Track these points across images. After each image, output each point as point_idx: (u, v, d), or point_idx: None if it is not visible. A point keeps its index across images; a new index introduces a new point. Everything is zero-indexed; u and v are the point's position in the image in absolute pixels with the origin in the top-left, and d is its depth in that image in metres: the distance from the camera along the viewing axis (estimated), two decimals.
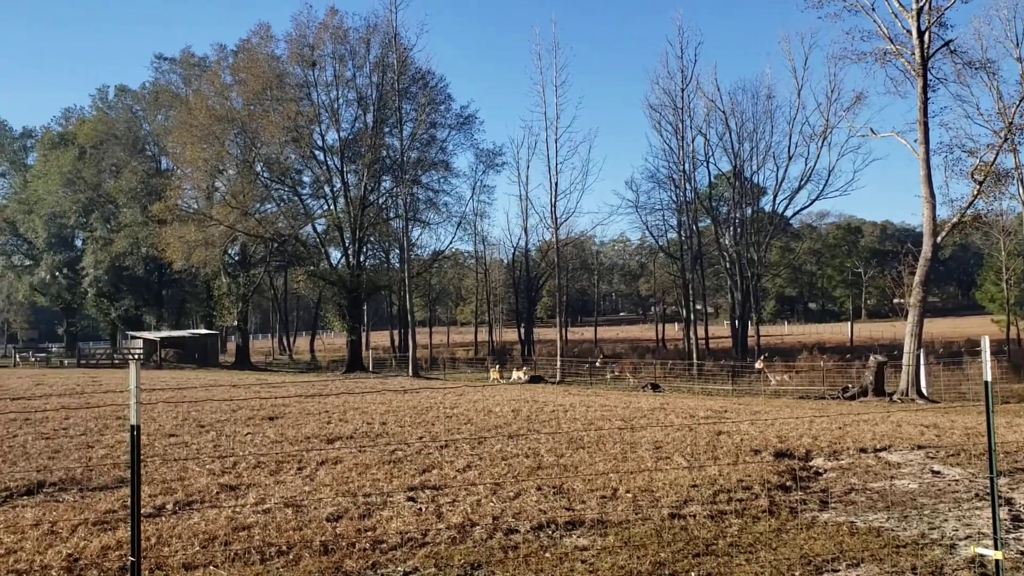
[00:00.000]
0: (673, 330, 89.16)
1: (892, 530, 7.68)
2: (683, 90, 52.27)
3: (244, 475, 10.62)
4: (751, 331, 56.63)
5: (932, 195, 28.49)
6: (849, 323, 78.32)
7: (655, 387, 33.09)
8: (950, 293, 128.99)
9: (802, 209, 63.43)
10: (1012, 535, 7.49)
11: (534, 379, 37.95)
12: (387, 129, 55.38)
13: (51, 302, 79.45)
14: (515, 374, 42.56)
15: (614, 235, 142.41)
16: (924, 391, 26.94)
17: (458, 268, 77.58)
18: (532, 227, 73.41)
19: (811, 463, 11.49)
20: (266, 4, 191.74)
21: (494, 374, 43.88)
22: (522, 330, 67.44)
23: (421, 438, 14.03)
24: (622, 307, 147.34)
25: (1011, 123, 29.76)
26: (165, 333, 61.05)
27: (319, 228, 59.75)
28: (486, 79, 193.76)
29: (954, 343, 52.34)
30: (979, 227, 45.95)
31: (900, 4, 28.92)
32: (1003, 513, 8.12)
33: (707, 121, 56.28)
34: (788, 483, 9.95)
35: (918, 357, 27.31)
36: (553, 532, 7.64)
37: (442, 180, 59.82)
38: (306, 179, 60.98)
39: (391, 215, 58.27)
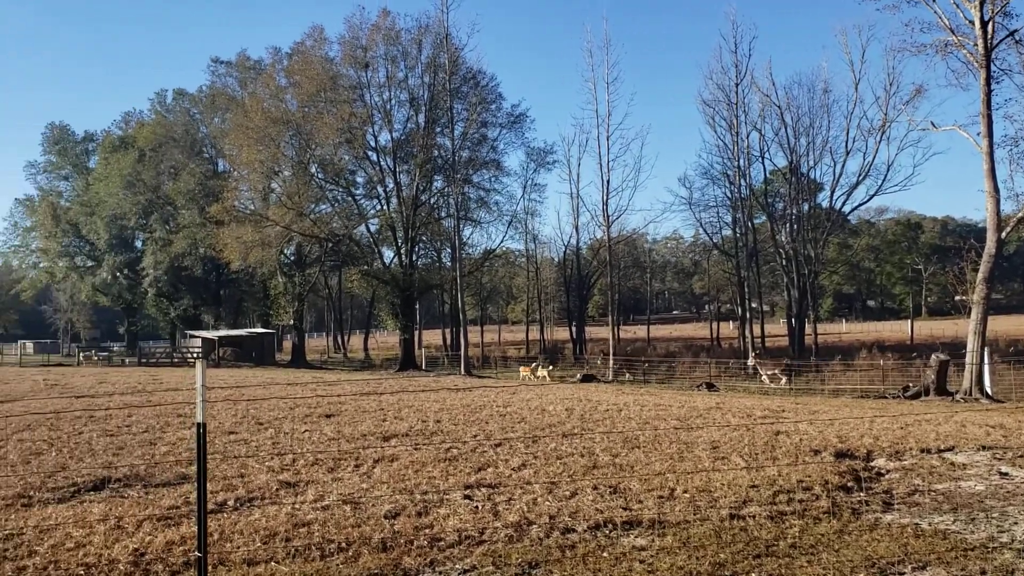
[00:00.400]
0: (728, 328, 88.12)
1: (959, 533, 7.49)
2: (737, 85, 51.62)
3: (303, 472, 10.76)
4: (808, 329, 55.71)
5: (996, 189, 27.66)
6: (909, 321, 76.60)
7: (710, 386, 32.72)
8: (1014, 290, 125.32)
9: (860, 205, 62.19)
10: None
11: (586, 378, 37.79)
12: (438, 129, 55.67)
13: (112, 302, 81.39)
14: (540, 371, 42.57)
15: (667, 232, 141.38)
16: (989, 390, 26.19)
17: (509, 267, 77.65)
18: (583, 225, 73.50)
19: (872, 464, 11.28)
20: (319, 7, 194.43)
21: (524, 371, 43.99)
22: (573, 329, 67.26)
23: (475, 436, 14.08)
24: (675, 305, 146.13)
25: None
26: (223, 332, 62.13)
27: (372, 228, 60.32)
28: (537, 77, 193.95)
29: (1019, 341, 50.87)
30: None
31: None
32: None
33: (762, 116, 55.53)
34: (849, 484, 9.78)
35: (982, 355, 26.55)
36: (610, 532, 7.60)
37: (493, 179, 59.96)
38: (359, 180, 61.61)
39: (443, 214, 58.58)
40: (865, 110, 57.10)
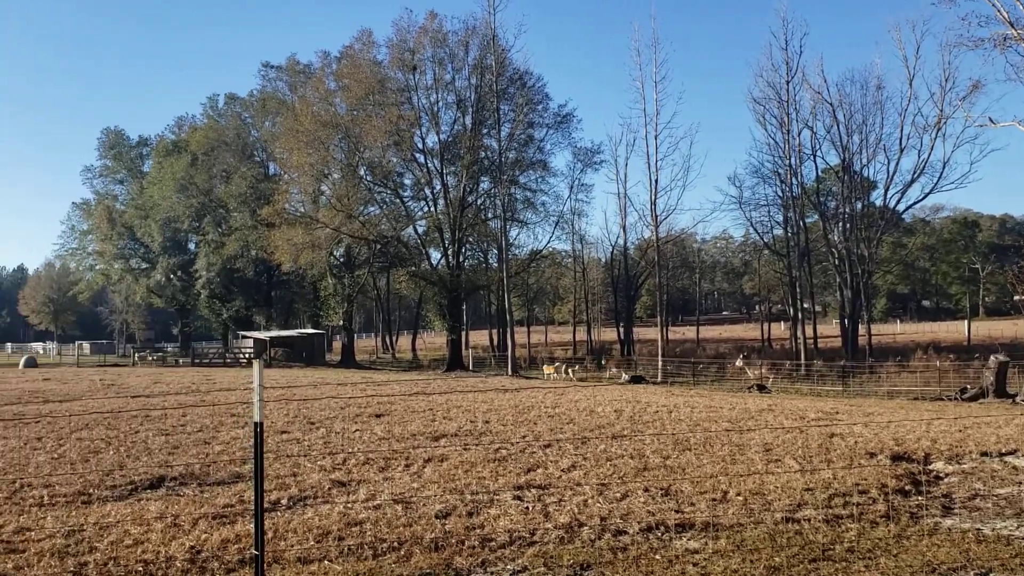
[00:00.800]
0: (779, 329, 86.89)
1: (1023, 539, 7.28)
2: (788, 83, 50.83)
3: (354, 471, 10.85)
4: (862, 330, 54.70)
5: None
6: (966, 321, 74.77)
7: (762, 388, 32.30)
8: None
9: (915, 203, 60.84)
10: None
11: (635, 379, 37.56)
12: (485, 130, 55.79)
13: (166, 303, 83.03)
14: (566, 370, 42.58)
15: (716, 232, 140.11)
16: None
17: (556, 267, 77.45)
18: (631, 225, 72.99)
19: (931, 467, 11.01)
20: (368, 11, 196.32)
21: (548, 370, 44.03)
22: (621, 329, 66.91)
23: (524, 437, 14.06)
24: (725, 306, 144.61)
25: None
26: (274, 333, 63.01)
27: (420, 229, 60.68)
28: (583, 76, 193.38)
29: None
30: None
31: None
32: None
33: (813, 114, 54.65)
34: (907, 487, 9.57)
35: None
36: (662, 534, 7.52)
37: (540, 180, 59.98)
38: (407, 182, 62.06)
39: (489, 215, 58.72)
40: (920, 106, 55.84)
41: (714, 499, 8.90)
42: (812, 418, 17.10)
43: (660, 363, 43.71)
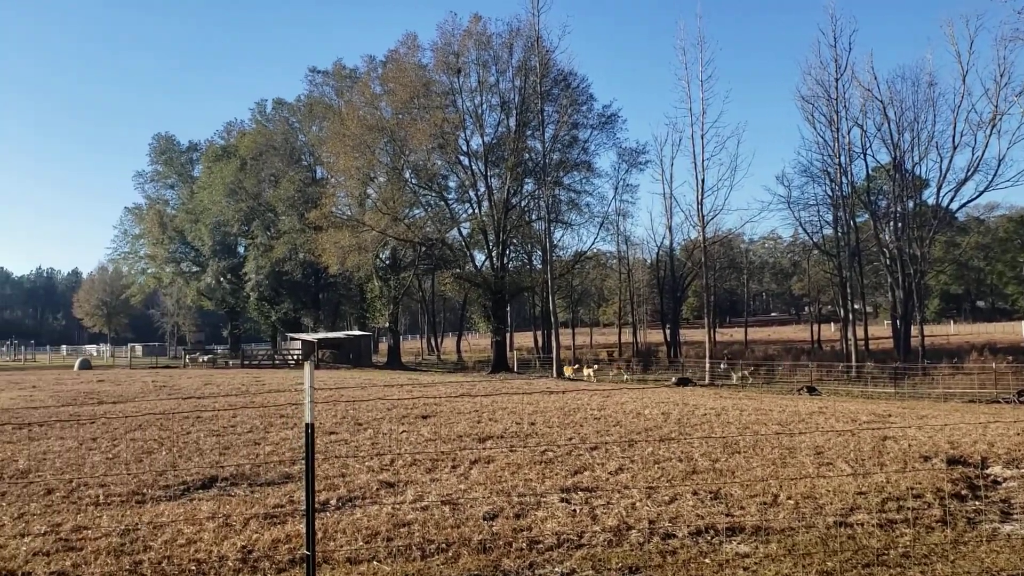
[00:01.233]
0: (829, 331, 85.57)
1: None
2: (837, 80, 50.00)
3: (401, 472, 10.90)
4: (914, 331, 53.61)
5: None
6: (1023, 322, 72.94)
7: (811, 390, 31.81)
8: None
9: (969, 201, 59.34)
10: None
11: (682, 381, 37.24)
12: (529, 132, 55.79)
13: (216, 306, 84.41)
14: (586, 371, 42.39)
15: (764, 232, 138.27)
16: None
17: (600, 269, 77.14)
18: (677, 226, 72.29)
19: (988, 471, 10.74)
20: (413, 15, 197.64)
21: (568, 371, 43.81)
22: (667, 331, 66.41)
23: (570, 439, 14.02)
24: (773, 307, 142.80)
25: None
26: (322, 335, 63.66)
27: (464, 231, 60.90)
28: (628, 76, 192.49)
29: None
30: None
31: None
32: None
33: (863, 111, 53.65)
34: (963, 492, 9.36)
35: None
36: (712, 538, 7.44)
37: (584, 181, 59.77)
38: (452, 184, 62.36)
39: (533, 217, 58.69)
40: (973, 103, 54.28)
41: (764, 503, 8.79)
42: (864, 421, 16.80)
43: (707, 365, 43.28)
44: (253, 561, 6.84)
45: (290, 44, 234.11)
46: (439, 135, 52.43)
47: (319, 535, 7.46)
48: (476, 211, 58.02)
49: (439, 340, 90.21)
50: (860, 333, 55.10)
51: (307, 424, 5.47)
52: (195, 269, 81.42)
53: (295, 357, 59.10)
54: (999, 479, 10.27)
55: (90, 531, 7.85)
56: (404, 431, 15.38)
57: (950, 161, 52.59)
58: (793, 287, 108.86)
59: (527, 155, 56.19)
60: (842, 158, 51.43)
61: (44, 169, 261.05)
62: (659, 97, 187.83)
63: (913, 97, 53.36)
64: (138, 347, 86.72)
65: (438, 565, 6.72)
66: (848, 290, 54.00)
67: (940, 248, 72.41)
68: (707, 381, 40.08)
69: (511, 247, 58.83)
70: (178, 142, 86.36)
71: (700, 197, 48.99)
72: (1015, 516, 8.26)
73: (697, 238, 55.55)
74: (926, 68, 61.32)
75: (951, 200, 55.13)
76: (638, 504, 8.73)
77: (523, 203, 58.13)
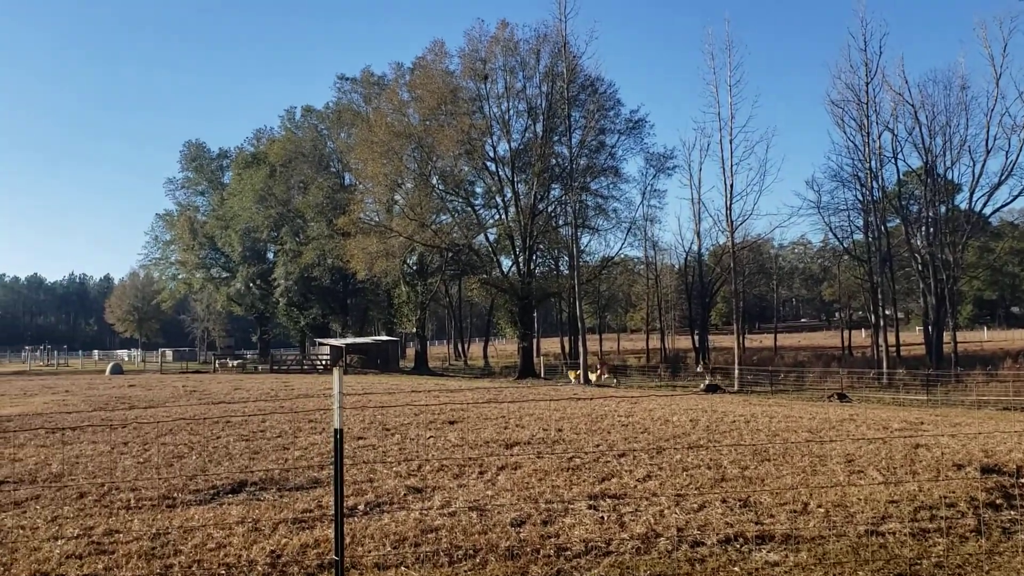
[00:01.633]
0: (860, 337, 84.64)
1: None
2: (867, 84, 49.52)
3: (429, 478, 10.92)
4: (947, 337, 52.89)
5: None
6: None
7: (842, 397, 31.47)
8: None
9: (1003, 206, 58.63)
10: None
11: (711, 388, 36.99)
12: (556, 137, 55.75)
13: (246, 311, 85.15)
14: (592, 376, 42.10)
15: (794, 237, 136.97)
16: None
17: (628, 274, 76.82)
18: (705, 231, 71.65)
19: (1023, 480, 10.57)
20: (440, 22, 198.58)
21: (572, 375, 43.59)
22: (696, 337, 66.02)
23: (598, 446, 13.97)
24: (803, 313, 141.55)
25: None
26: (350, 340, 63.98)
27: (491, 237, 60.92)
28: (655, 81, 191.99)
29: None
30: None
31: None
32: None
33: (894, 116, 53.06)
34: (998, 501, 9.20)
35: None
36: (741, 546, 7.38)
37: (611, 186, 59.53)
38: (478, 190, 62.48)
39: (560, 223, 58.59)
40: (1007, 106, 53.33)
41: (794, 511, 8.70)
42: (896, 428, 16.60)
43: (737, 371, 42.98)
44: (282, 566, 6.88)
45: (319, 52, 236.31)
46: (466, 141, 52.56)
47: (348, 540, 7.48)
48: (503, 217, 58.09)
49: (466, 345, 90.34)
50: (891, 339, 54.47)
51: (336, 429, 5.50)
52: (225, 275, 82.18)
53: (323, 362, 59.46)
54: None
55: (121, 535, 7.94)
56: (431, 436, 15.41)
57: (983, 165, 51.88)
58: (823, 293, 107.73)
59: (554, 161, 56.16)
60: (873, 163, 50.93)
61: (77, 177, 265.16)
62: (687, 102, 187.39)
63: (945, 101, 52.72)
64: (169, 352, 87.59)
65: (466, 571, 6.72)
66: (879, 296, 53.38)
67: (973, 253, 71.51)
68: (736, 388, 39.78)
69: (538, 252, 58.79)
70: (208, 149, 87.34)
71: (729, 202, 48.74)
72: None
73: (726, 243, 55.16)
74: (958, 71, 60.47)
75: (984, 205, 54.39)
76: (666, 511, 8.68)
77: (550, 208, 58.09)
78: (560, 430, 16.32)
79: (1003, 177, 51.14)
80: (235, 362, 68.74)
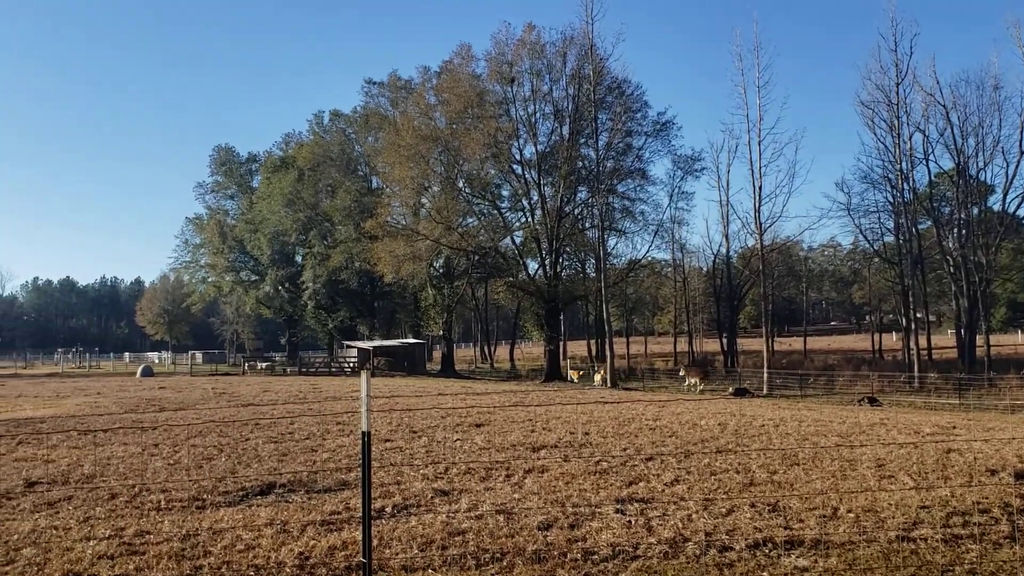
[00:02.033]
0: (891, 340, 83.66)
1: None
2: (898, 85, 48.91)
3: (455, 480, 10.94)
4: (980, 340, 52.13)
5: None
6: None
7: (872, 401, 31.11)
8: None
9: None
10: None
11: (739, 391, 36.74)
12: (583, 140, 55.61)
13: (275, 314, 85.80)
14: (596, 377, 41.92)
15: (823, 239, 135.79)
16: None
17: (655, 277, 76.48)
18: (734, 233, 71.46)
19: None
20: (466, 25, 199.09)
21: (574, 375, 43.50)
22: (724, 340, 65.60)
23: (625, 450, 13.92)
24: (833, 316, 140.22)
25: None
26: (377, 342, 64.25)
27: (517, 240, 60.91)
28: (683, 82, 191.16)
29: None
30: None
31: None
32: None
33: (925, 116, 52.39)
34: None
35: None
36: (770, 551, 7.32)
37: (638, 188, 59.28)
38: (505, 193, 62.48)
39: (587, 225, 58.44)
40: None
41: (824, 516, 8.63)
42: (927, 433, 16.40)
43: (765, 375, 42.62)
44: (310, 568, 6.92)
45: (347, 56, 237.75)
46: (492, 144, 52.60)
47: (375, 542, 7.51)
48: (529, 219, 58.05)
49: (492, 348, 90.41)
50: (923, 343, 53.78)
51: (364, 432, 5.52)
52: (254, 278, 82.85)
53: (351, 365, 59.77)
54: None
55: (152, 535, 8.02)
56: (458, 439, 15.43)
57: (1016, 166, 51.13)
58: (853, 295, 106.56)
59: (580, 163, 56.03)
60: (903, 164, 50.31)
61: (108, 181, 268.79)
62: (715, 103, 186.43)
63: (978, 101, 52.03)
64: (198, 354, 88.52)
65: (492, 574, 6.72)
66: (910, 299, 52.73)
67: (1007, 255, 70.39)
68: (765, 391, 39.47)
69: (564, 255, 58.67)
70: (237, 153, 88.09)
71: (757, 204, 48.31)
72: None
73: (754, 246, 54.75)
74: (991, 71, 59.66)
75: (1019, 206, 53.66)
76: (694, 516, 8.63)
77: (576, 211, 57.96)
78: (587, 433, 16.28)
79: None
80: (264, 364, 69.26)
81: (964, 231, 53.36)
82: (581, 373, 44.14)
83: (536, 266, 59.14)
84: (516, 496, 9.82)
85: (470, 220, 59.58)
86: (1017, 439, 15.02)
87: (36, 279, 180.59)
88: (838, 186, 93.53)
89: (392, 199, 61.05)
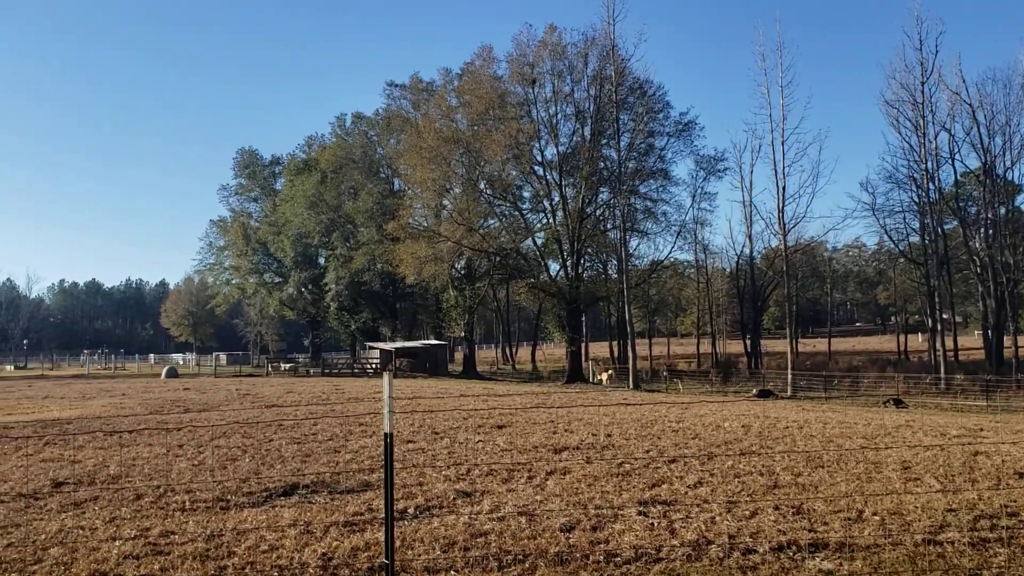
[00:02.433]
0: (916, 341, 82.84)
1: None
2: (923, 84, 48.47)
3: (477, 482, 10.94)
4: (1007, 342, 51.52)
5: None
6: None
7: (898, 402, 30.82)
8: None
9: None
10: None
11: (763, 393, 36.51)
12: (604, 141, 55.45)
13: (298, 316, 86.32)
14: (603, 377, 41.83)
15: (848, 240, 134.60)
16: None
17: (678, 278, 76.12)
18: (757, 234, 71.02)
19: None
20: (488, 27, 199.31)
21: (603, 377, 43.58)
22: (747, 342, 65.21)
23: (648, 452, 13.86)
24: (857, 317, 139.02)
25: None
26: (399, 344, 64.47)
27: (539, 241, 60.90)
28: (706, 82, 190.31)
29: None
30: None
31: None
32: None
33: (951, 115, 51.86)
34: None
35: None
36: (794, 554, 7.26)
37: (660, 189, 59.07)
38: (526, 194, 62.46)
39: (608, 226, 58.33)
40: None
41: (849, 518, 8.55)
42: (954, 435, 16.22)
43: (790, 376, 42.35)
44: (333, 568, 6.94)
45: (369, 59, 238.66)
46: (514, 146, 52.63)
47: (397, 543, 7.52)
48: (550, 221, 58.04)
49: (514, 350, 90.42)
50: (949, 344, 53.22)
51: (386, 434, 5.54)
52: (277, 280, 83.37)
53: (373, 366, 59.99)
54: None
55: (177, 536, 8.08)
56: (480, 441, 15.44)
57: None
58: (878, 296, 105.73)
59: (602, 164, 55.89)
60: (929, 164, 49.83)
61: (133, 184, 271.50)
62: (738, 103, 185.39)
63: (1004, 100, 51.47)
64: (223, 356, 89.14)
65: None
66: (936, 299, 52.20)
67: None
68: (789, 393, 39.20)
69: (586, 256, 58.60)
70: (261, 156, 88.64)
71: (781, 204, 48.03)
72: None
73: (778, 246, 54.36)
74: (1018, 69, 59.08)
75: None
76: (718, 518, 8.58)
77: (598, 212, 57.82)
78: (610, 435, 16.23)
79: None
80: (287, 366, 69.67)
81: (991, 231, 52.76)
82: (610, 373, 43.84)
83: (558, 267, 59.12)
84: (538, 498, 9.81)
85: (491, 221, 59.63)
86: None
87: (62, 281, 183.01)
88: (863, 186, 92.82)
89: (414, 201, 61.26)
